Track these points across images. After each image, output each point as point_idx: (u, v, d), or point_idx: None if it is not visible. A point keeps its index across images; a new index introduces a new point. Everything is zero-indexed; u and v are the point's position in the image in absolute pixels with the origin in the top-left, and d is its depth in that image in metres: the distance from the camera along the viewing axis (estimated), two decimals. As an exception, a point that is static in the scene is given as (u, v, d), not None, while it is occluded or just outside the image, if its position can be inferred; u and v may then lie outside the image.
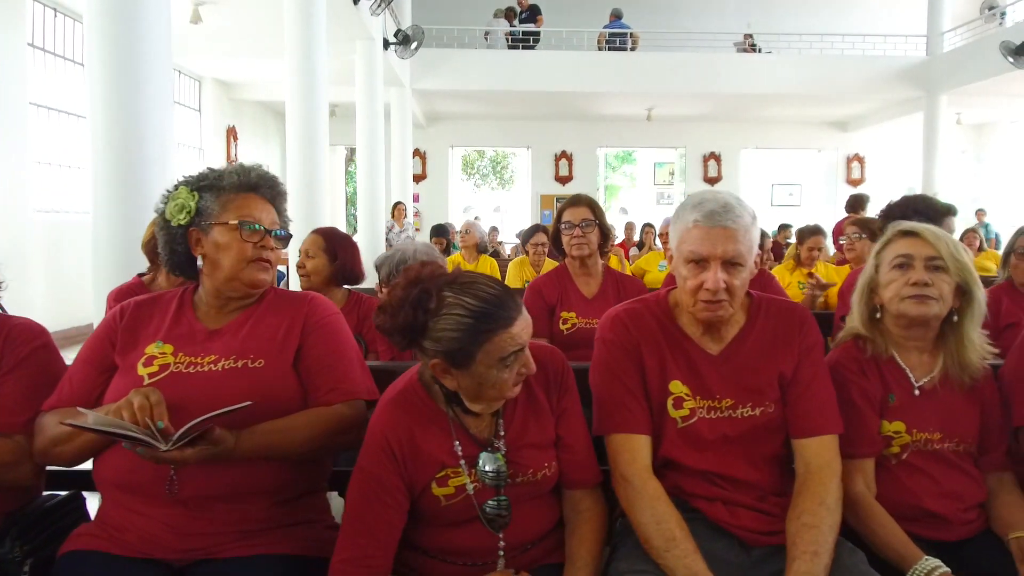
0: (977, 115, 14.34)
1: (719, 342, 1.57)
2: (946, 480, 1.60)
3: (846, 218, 8.87)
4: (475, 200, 28.05)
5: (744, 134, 15.35)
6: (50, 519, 1.58)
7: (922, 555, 1.44)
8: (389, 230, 9.77)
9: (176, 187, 1.58)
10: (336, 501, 1.74)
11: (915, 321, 1.62)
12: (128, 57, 3.45)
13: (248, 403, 1.28)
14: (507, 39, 12.84)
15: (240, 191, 1.53)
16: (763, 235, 5.37)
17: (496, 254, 10.06)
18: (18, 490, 1.55)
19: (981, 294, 1.65)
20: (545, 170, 15.40)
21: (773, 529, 1.47)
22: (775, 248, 9.45)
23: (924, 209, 2.90)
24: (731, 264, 1.47)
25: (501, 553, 1.42)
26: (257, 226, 1.51)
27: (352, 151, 14.66)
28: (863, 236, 3.92)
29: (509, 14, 13.30)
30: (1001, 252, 3.15)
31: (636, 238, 10.40)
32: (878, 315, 1.67)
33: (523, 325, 1.35)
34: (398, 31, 10.28)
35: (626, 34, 12.72)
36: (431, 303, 1.32)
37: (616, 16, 12.98)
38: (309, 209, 6.66)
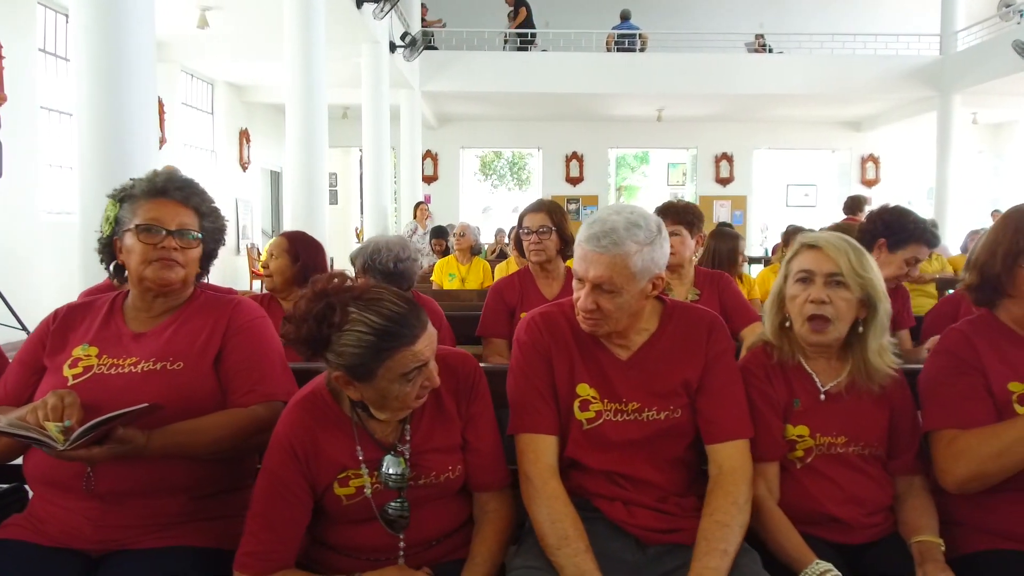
0: (994, 115, 14.14)
1: (628, 348, 1.62)
2: (849, 484, 1.62)
3: (844, 219, 8.83)
4: (493, 200, 28.26)
5: (756, 134, 15.27)
6: None
7: (815, 558, 1.47)
8: (413, 232, 9.49)
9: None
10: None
11: (815, 345, 1.65)
12: (114, 52, 3.56)
13: (146, 405, 1.34)
14: (506, 40, 12.85)
15: (148, 197, 1.60)
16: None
17: (503, 255, 10.15)
18: None
19: (885, 306, 1.65)
20: (556, 171, 15.43)
21: (670, 528, 1.51)
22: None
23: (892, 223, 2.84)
24: (602, 289, 1.51)
25: (401, 552, 1.48)
26: (156, 228, 1.57)
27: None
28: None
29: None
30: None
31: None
32: (787, 324, 1.68)
33: (426, 342, 1.38)
34: (405, 34, 10.38)
35: (635, 35, 12.71)
36: (335, 317, 1.34)
37: (624, 17, 12.98)
38: (309, 210, 6.78)
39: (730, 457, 1.54)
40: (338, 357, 1.35)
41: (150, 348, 1.58)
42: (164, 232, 1.57)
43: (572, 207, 15.46)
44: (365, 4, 8.29)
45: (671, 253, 2.86)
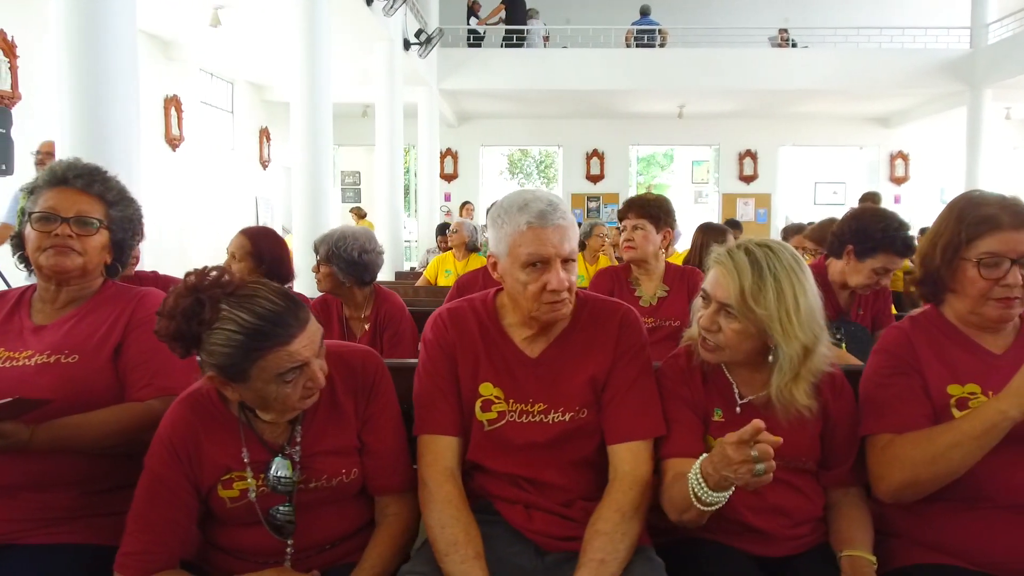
0: (1029, 110, 13.68)
1: (539, 344, 1.54)
2: (772, 496, 1.53)
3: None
4: (519, 199, 28.17)
5: (781, 131, 14.95)
6: None
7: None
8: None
9: None
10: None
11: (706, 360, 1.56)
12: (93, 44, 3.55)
13: (10, 400, 1.31)
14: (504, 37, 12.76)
15: (49, 186, 1.58)
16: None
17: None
18: None
19: (794, 347, 1.45)
20: (576, 169, 15.29)
21: (570, 535, 1.44)
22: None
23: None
24: (568, 261, 1.46)
25: (288, 557, 1.43)
26: (52, 216, 1.55)
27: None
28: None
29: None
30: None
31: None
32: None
33: (305, 342, 1.31)
34: (419, 32, 10.36)
35: (654, 31, 12.54)
36: (205, 314, 1.28)
37: (644, 13, 12.81)
38: (314, 207, 6.79)
39: (624, 460, 1.47)
40: (209, 356, 1.29)
41: (48, 341, 1.56)
42: (59, 220, 1.54)
43: (593, 205, 15.34)
44: (375, 1, 8.27)
45: (630, 247, 2.83)
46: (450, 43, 12.42)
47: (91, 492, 1.53)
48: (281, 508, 1.41)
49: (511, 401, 1.51)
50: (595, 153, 15.21)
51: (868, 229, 2.38)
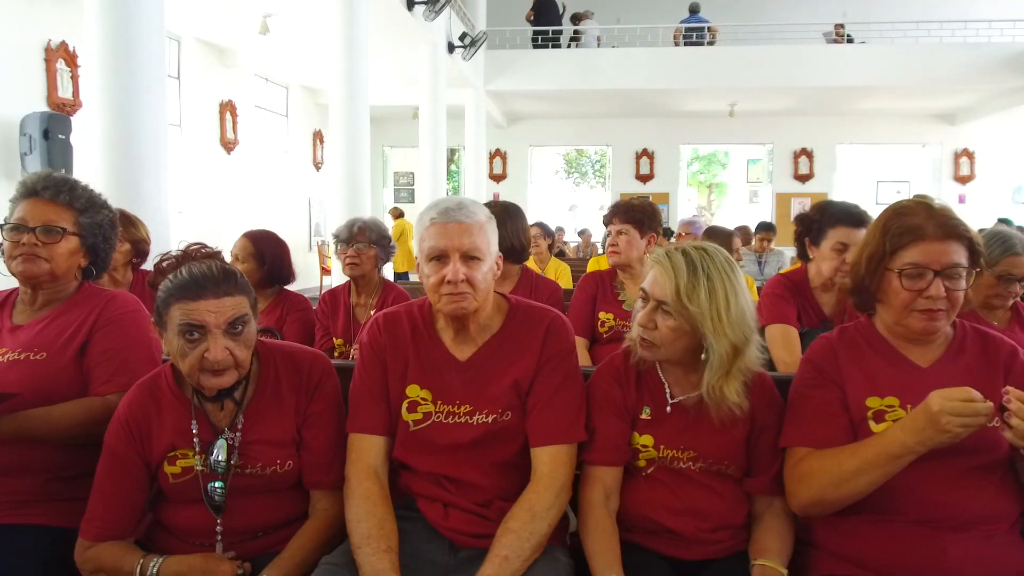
0: (1107, 105, 12.93)
1: (469, 348, 1.61)
2: (690, 498, 1.56)
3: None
4: (578, 198, 28.30)
5: (838, 128, 14.55)
6: None
7: (610, 574, 1.43)
8: None
9: None
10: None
11: (643, 358, 1.59)
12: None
13: None
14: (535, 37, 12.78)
15: (23, 197, 1.73)
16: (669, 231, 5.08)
17: (562, 254, 10.12)
18: None
19: (723, 344, 1.49)
20: (625, 168, 15.21)
21: (484, 532, 1.50)
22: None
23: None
24: (469, 257, 1.51)
25: (218, 537, 1.53)
26: (20, 227, 1.69)
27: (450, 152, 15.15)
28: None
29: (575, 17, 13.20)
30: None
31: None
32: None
33: (211, 308, 1.43)
34: (464, 35, 10.50)
35: (704, 28, 12.38)
36: (175, 272, 1.49)
37: (693, 10, 12.66)
38: (351, 207, 6.98)
39: (543, 463, 1.52)
40: (156, 302, 1.48)
41: (21, 339, 1.70)
42: (27, 230, 1.69)
43: (642, 205, 15.21)
44: (416, 6, 8.44)
45: (615, 252, 2.86)
46: (497, 45, 12.54)
47: (57, 479, 1.67)
48: (216, 485, 1.52)
49: (439, 403, 1.57)
50: (644, 152, 15.11)
51: (811, 217, 2.49)
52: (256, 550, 1.55)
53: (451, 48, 10.22)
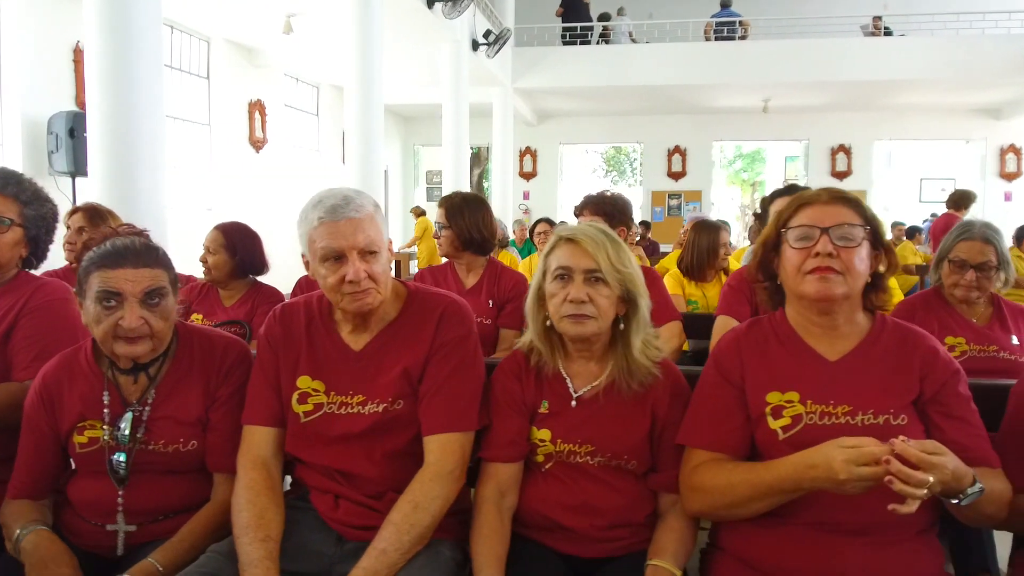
0: None
1: (364, 337, 1.60)
2: (585, 494, 1.53)
3: (944, 215, 8.04)
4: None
5: (876, 124, 14.13)
6: None
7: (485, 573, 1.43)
8: None
9: None
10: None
11: (575, 338, 1.56)
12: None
13: None
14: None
15: None
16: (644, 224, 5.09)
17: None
18: None
19: (645, 301, 1.56)
20: (657, 166, 15.03)
21: (373, 524, 1.48)
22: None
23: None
24: (367, 252, 1.51)
25: (120, 509, 1.56)
26: None
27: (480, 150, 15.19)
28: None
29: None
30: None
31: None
32: (548, 323, 1.59)
33: (129, 277, 1.49)
34: (488, 32, 10.50)
35: (735, 23, 12.16)
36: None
37: (725, 4, 12.44)
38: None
39: (431, 452, 1.51)
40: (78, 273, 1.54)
41: None
42: None
43: (674, 203, 15.04)
44: (436, 3, 8.47)
45: None
46: (525, 42, 12.51)
47: None
48: (120, 458, 1.55)
49: (332, 393, 1.57)
50: (676, 150, 14.91)
51: (765, 201, 2.60)
52: (157, 534, 1.57)
53: (475, 46, 10.22)
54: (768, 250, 1.51)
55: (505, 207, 12.10)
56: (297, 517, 1.53)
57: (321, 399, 1.57)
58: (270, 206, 10.58)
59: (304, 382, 1.58)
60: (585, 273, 1.52)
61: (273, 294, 3.09)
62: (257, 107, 10.46)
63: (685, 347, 3.16)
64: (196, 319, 2.99)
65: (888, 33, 12.20)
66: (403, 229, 14.88)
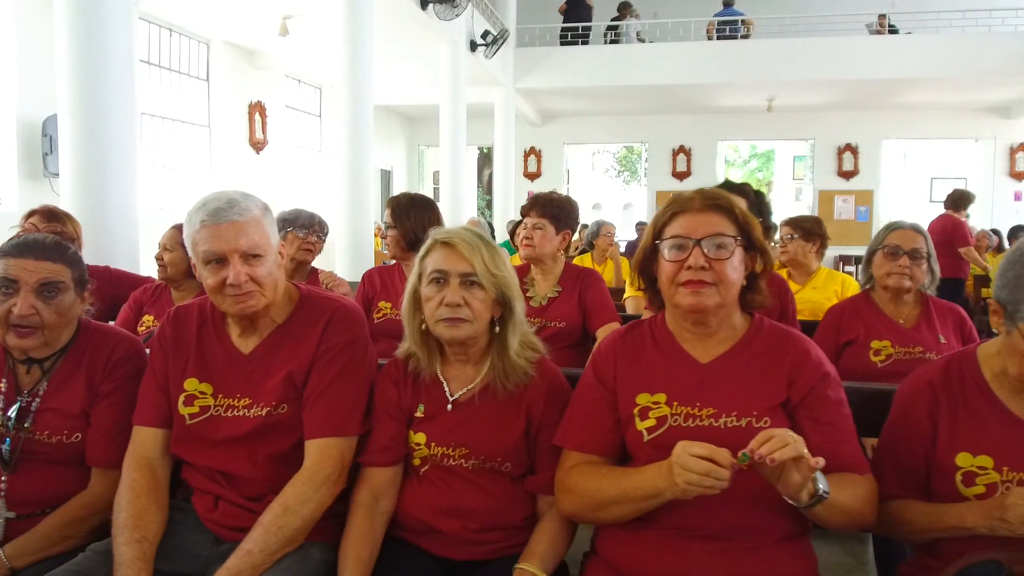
0: None
1: (253, 340, 1.61)
2: (458, 497, 1.54)
3: (941, 215, 7.93)
4: (628, 197, 28.16)
5: (884, 123, 13.95)
6: None
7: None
8: None
9: None
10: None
11: (451, 341, 1.56)
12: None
13: None
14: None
15: None
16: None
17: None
18: None
19: (520, 306, 1.57)
20: (662, 166, 14.96)
21: (249, 526, 1.49)
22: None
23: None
24: (249, 256, 1.51)
25: (2, 494, 1.59)
26: None
27: (488, 150, 15.20)
28: (795, 236, 3.59)
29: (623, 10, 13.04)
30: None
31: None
32: (424, 327, 1.59)
33: (29, 266, 1.57)
34: (486, 32, 10.51)
35: (737, 21, 12.07)
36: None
37: (727, 3, 12.36)
38: (353, 206, 7.07)
39: (309, 456, 1.52)
40: None
41: None
42: None
43: (679, 203, 14.93)
44: (429, 5, 8.49)
45: (528, 246, 2.82)
46: (527, 42, 12.51)
47: None
48: (4, 445, 1.59)
49: (219, 396, 1.58)
50: (681, 149, 14.83)
51: None
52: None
53: (473, 47, 10.24)
54: (647, 257, 1.50)
55: (507, 207, 12.11)
56: (179, 518, 1.55)
57: (208, 401, 1.58)
58: (271, 206, 10.67)
59: (191, 384, 1.60)
60: (461, 277, 1.52)
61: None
62: (257, 108, 10.55)
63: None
64: (147, 321, 3.02)
65: (894, 31, 12.06)
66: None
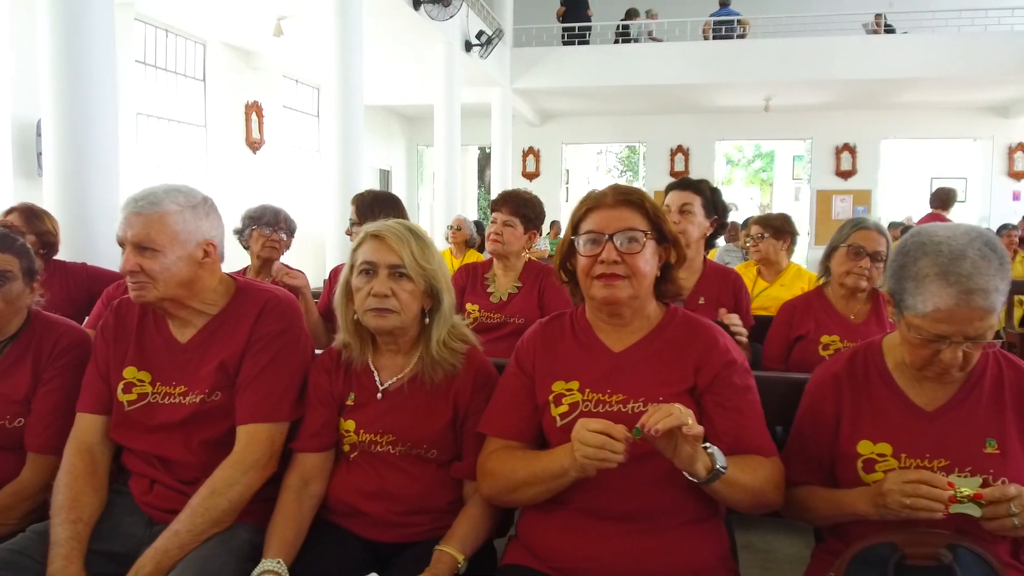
0: None
1: (190, 331, 1.67)
2: (384, 481, 1.60)
3: (929, 214, 7.93)
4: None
5: (882, 123, 13.92)
6: None
7: (278, 556, 1.48)
8: None
9: None
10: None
11: (379, 331, 1.62)
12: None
13: None
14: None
15: None
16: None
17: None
18: None
19: (449, 297, 1.62)
20: (660, 165, 14.98)
21: (181, 508, 1.55)
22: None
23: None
24: (141, 248, 1.56)
25: None
26: None
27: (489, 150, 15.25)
28: (766, 235, 3.63)
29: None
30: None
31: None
32: (356, 316, 1.64)
33: None
34: (480, 32, 10.56)
35: (733, 21, 12.09)
36: None
37: (723, 3, 12.38)
38: (343, 206, 7.13)
39: (239, 441, 1.58)
40: None
41: None
42: None
43: (677, 203, 14.94)
44: (422, 5, 8.55)
45: (496, 242, 2.87)
46: (524, 42, 12.55)
47: None
48: None
49: (157, 384, 1.65)
50: (679, 149, 14.84)
51: None
52: None
53: (468, 47, 10.30)
54: (566, 251, 1.55)
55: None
56: (117, 500, 1.62)
57: (146, 389, 1.64)
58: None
59: (130, 372, 1.66)
60: (389, 268, 1.57)
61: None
62: (254, 109, 10.62)
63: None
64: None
65: (890, 31, 12.05)
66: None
